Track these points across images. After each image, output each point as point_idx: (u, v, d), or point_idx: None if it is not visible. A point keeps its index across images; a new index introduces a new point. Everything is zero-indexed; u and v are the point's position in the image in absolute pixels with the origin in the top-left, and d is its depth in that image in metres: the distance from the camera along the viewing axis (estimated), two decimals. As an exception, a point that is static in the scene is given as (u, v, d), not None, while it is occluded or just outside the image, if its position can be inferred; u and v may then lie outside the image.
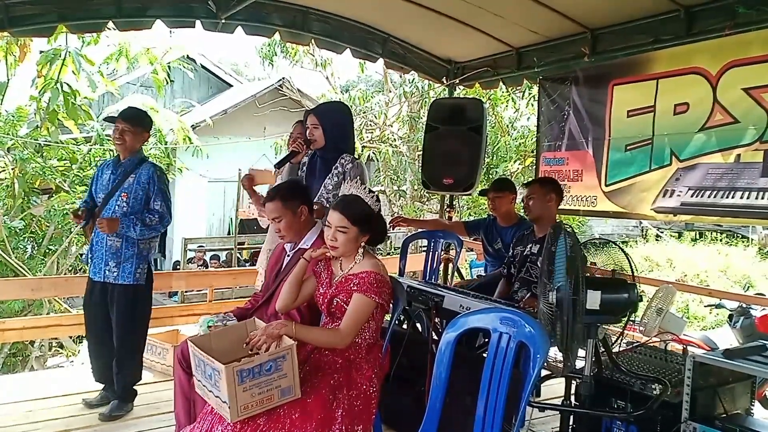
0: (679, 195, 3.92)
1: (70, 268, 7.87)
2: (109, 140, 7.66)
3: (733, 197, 3.61)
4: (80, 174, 8.08)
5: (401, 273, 4.44)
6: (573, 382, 2.55)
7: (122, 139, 3.41)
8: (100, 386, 3.62)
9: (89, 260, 3.52)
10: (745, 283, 11.24)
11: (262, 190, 4.04)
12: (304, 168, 3.43)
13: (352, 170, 3.22)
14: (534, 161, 5.37)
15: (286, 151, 3.77)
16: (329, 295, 2.45)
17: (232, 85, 15.55)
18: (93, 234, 3.44)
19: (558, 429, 2.55)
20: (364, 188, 2.53)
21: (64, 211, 7.41)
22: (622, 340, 2.81)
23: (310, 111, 3.42)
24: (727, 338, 4.52)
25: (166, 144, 8.73)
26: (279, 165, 3.51)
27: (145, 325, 3.59)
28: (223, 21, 4.36)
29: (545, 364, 2.62)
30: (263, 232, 4.03)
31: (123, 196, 3.38)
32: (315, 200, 3.18)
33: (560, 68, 4.73)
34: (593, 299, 2.29)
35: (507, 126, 10.85)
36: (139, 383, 3.63)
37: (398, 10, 4.49)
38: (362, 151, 10.51)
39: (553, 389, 3.59)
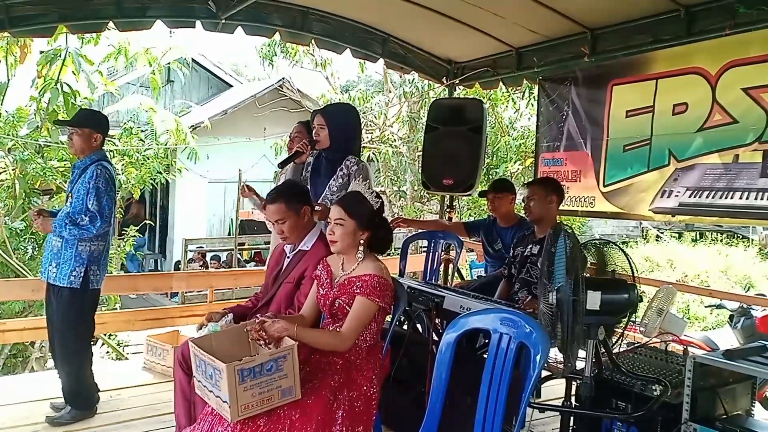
0: (677, 195, 3.91)
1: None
2: (109, 140, 7.67)
3: (731, 198, 3.60)
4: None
5: (401, 274, 4.44)
6: (573, 383, 2.55)
7: (70, 141, 3.44)
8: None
9: None
10: (746, 283, 11.23)
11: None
12: (309, 168, 3.42)
13: (357, 172, 3.21)
14: (534, 162, 5.36)
15: (286, 152, 3.76)
16: (331, 296, 2.44)
17: (231, 86, 15.52)
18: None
19: (558, 430, 2.55)
20: (367, 186, 2.53)
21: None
22: (622, 340, 2.81)
23: (318, 111, 3.39)
24: (728, 339, 4.52)
25: (165, 145, 8.70)
26: (282, 165, 3.50)
27: (84, 331, 3.43)
28: (223, 21, 4.36)
29: (545, 364, 2.62)
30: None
31: (69, 197, 3.38)
32: (319, 201, 3.17)
33: (560, 68, 4.72)
34: (593, 300, 2.29)
35: (507, 126, 10.82)
36: (99, 391, 3.53)
37: (398, 10, 4.49)
38: (362, 151, 10.47)
39: (554, 390, 3.58)
